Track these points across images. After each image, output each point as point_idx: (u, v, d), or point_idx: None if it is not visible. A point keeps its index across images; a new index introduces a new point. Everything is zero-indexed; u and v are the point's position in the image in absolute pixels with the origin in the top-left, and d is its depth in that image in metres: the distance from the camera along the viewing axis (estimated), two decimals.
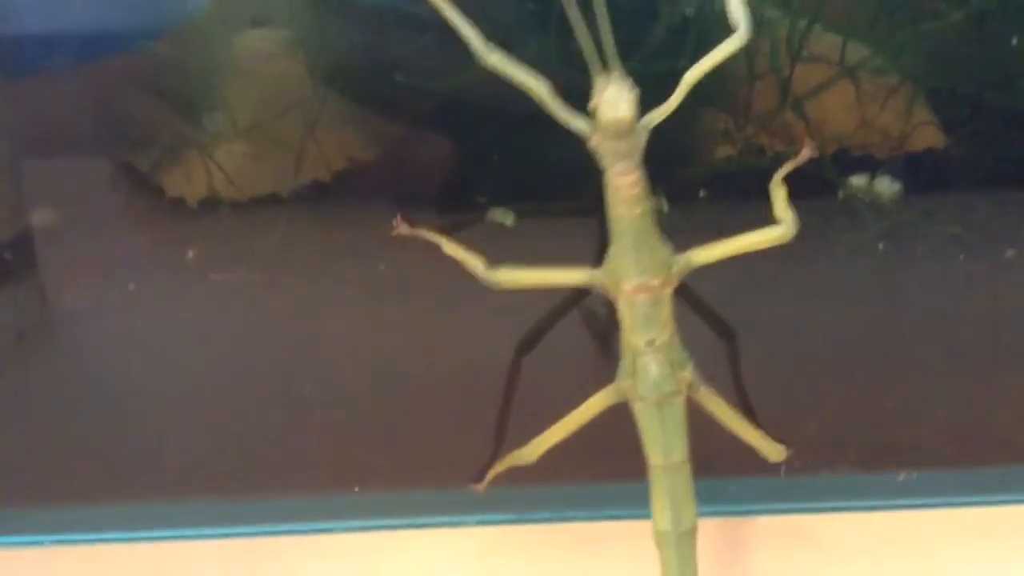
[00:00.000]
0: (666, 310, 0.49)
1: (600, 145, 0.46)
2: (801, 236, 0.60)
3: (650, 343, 0.49)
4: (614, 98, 0.45)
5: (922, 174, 0.63)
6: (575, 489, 0.64)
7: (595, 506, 0.63)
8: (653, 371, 0.50)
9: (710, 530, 0.62)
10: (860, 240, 0.64)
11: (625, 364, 0.50)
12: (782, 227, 0.49)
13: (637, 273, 0.48)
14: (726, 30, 0.46)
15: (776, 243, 0.49)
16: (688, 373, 0.51)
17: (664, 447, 0.51)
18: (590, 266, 0.49)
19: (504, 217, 0.63)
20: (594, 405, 0.52)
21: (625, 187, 0.46)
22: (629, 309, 0.49)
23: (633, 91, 0.45)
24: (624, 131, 0.45)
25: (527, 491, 0.62)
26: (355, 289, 0.65)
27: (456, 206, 0.63)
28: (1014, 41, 0.61)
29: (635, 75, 0.45)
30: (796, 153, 0.50)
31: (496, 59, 0.45)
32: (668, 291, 0.49)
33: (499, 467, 0.56)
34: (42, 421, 0.67)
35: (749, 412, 0.60)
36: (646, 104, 0.46)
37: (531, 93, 0.45)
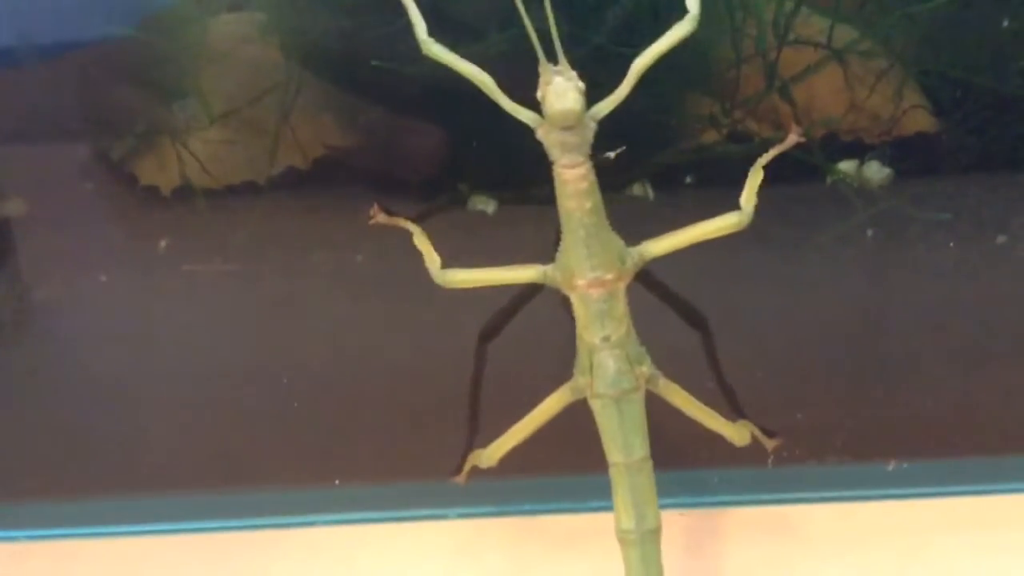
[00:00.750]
0: (621, 305, 0.48)
1: (547, 137, 0.45)
2: (789, 222, 0.59)
3: (606, 339, 0.48)
4: (561, 88, 0.44)
5: (912, 159, 0.63)
6: (555, 481, 0.63)
7: (576, 498, 0.63)
8: (610, 367, 0.49)
9: (692, 522, 0.62)
10: (849, 226, 0.63)
11: (581, 361, 0.50)
12: (737, 215, 0.48)
13: (590, 268, 0.47)
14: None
15: (730, 231, 0.48)
16: (646, 367, 0.50)
17: (624, 445, 0.50)
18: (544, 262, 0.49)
19: (485, 204, 0.63)
20: (551, 405, 0.51)
21: (574, 180, 0.46)
22: (583, 305, 0.48)
23: (579, 82, 0.44)
24: (571, 122, 0.45)
25: (507, 484, 0.61)
26: (333, 279, 0.64)
27: (437, 194, 0.63)
28: (1005, 23, 0.60)
29: (584, 64, 0.45)
30: (783, 138, 0.49)
31: (437, 49, 0.45)
32: (622, 285, 0.48)
33: (467, 465, 0.55)
34: (16, 413, 0.66)
35: (734, 402, 0.59)
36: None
37: (474, 83, 0.45)
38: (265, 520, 0.64)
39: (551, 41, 0.44)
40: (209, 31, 0.62)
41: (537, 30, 0.44)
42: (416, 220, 0.50)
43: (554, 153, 0.46)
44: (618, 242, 0.48)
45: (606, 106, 0.45)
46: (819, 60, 0.61)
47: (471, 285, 0.49)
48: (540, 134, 0.46)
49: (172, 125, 0.63)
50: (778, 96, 0.61)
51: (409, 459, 0.63)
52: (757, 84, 0.61)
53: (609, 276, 0.47)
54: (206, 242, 0.64)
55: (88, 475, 0.65)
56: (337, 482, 0.64)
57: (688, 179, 0.63)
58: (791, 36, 0.60)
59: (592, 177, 0.46)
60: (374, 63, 0.57)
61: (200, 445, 0.65)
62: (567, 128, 0.45)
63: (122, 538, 0.64)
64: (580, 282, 0.48)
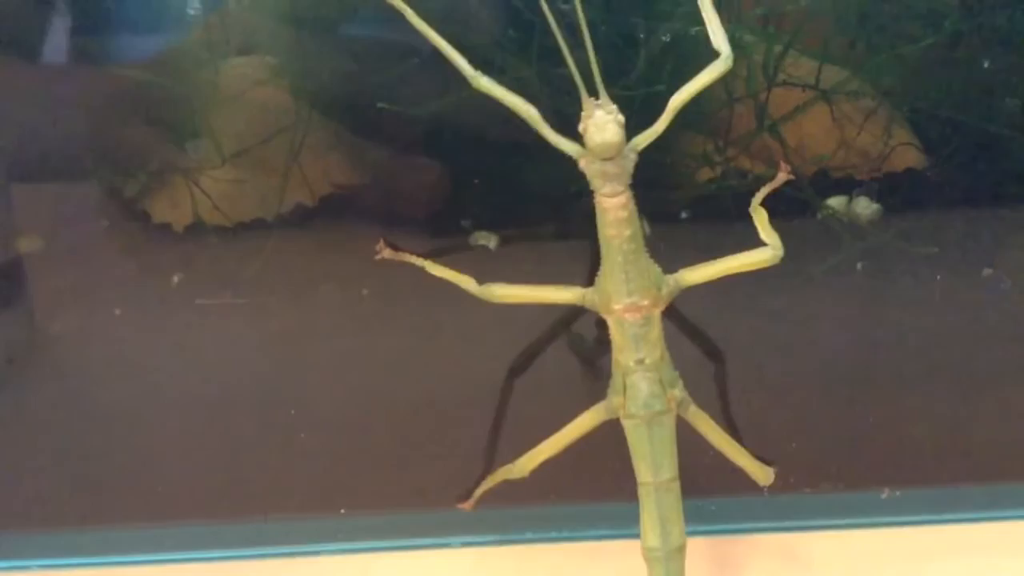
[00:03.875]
0: (656, 330, 0.50)
1: (589, 167, 0.47)
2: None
3: (640, 362, 0.50)
4: (602, 121, 0.46)
5: (899, 195, 0.64)
6: (561, 509, 0.64)
7: (581, 526, 0.63)
8: (643, 389, 0.50)
9: (698, 549, 0.62)
10: (839, 260, 0.64)
11: (615, 382, 0.51)
12: (770, 249, 0.49)
13: (627, 293, 0.49)
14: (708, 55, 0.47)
15: (765, 265, 0.50)
16: (678, 391, 0.51)
17: (653, 464, 0.51)
18: (578, 286, 0.50)
19: (487, 240, 0.64)
20: (585, 422, 0.52)
21: (614, 209, 0.47)
22: (619, 329, 0.50)
23: (620, 115, 0.46)
24: (612, 153, 0.46)
25: (513, 512, 0.62)
26: (339, 313, 0.65)
27: (440, 230, 0.64)
28: (986, 64, 0.62)
29: (622, 100, 0.46)
30: (774, 176, 0.51)
31: (486, 82, 0.46)
32: (658, 311, 0.50)
33: (489, 482, 0.56)
34: (30, 445, 0.67)
35: (734, 431, 0.60)
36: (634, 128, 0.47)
37: (521, 116, 0.46)
38: (272, 549, 0.64)
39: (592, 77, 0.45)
40: (221, 74, 0.63)
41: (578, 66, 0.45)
42: (420, 256, 0.52)
43: (595, 183, 0.47)
44: (655, 269, 0.49)
45: (644, 139, 0.47)
46: (807, 100, 0.62)
47: (513, 301, 0.50)
48: (582, 165, 0.47)
49: (185, 164, 0.65)
50: (768, 135, 0.63)
51: (414, 488, 0.64)
52: (749, 123, 0.63)
53: (645, 302, 0.49)
54: (217, 277, 0.65)
55: (99, 505, 0.66)
56: (343, 511, 0.64)
57: (684, 214, 0.64)
58: (780, 77, 0.62)
59: (632, 206, 0.47)
60: (380, 105, 0.59)
61: (209, 475, 0.65)
62: (608, 159, 0.46)
63: (132, 567, 0.64)
64: (617, 307, 0.49)
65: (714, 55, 0.47)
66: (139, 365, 0.66)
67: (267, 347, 0.66)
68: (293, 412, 0.65)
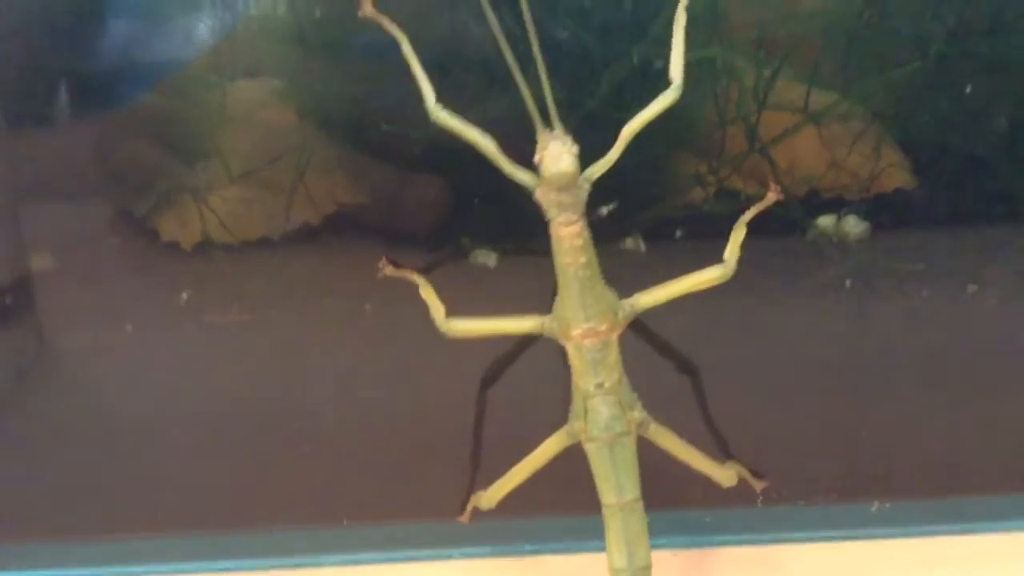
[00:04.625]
0: (614, 353, 0.51)
1: (544, 197, 0.48)
2: (771, 273, 0.61)
3: (599, 386, 0.51)
4: (556, 152, 0.47)
5: (887, 214, 0.65)
6: (555, 522, 0.64)
7: (574, 539, 0.64)
8: (604, 413, 0.51)
9: (689, 561, 0.63)
10: (828, 277, 0.65)
11: (576, 407, 0.52)
12: (721, 268, 0.51)
13: (584, 319, 0.49)
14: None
15: (715, 283, 0.51)
16: (637, 412, 0.52)
17: (617, 486, 0.52)
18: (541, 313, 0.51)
19: (487, 257, 0.65)
20: (548, 449, 0.53)
21: (569, 237, 0.48)
22: (578, 354, 0.50)
23: (574, 146, 0.47)
24: (567, 184, 0.47)
25: (511, 524, 0.63)
26: (343, 328, 0.66)
27: (441, 248, 0.65)
28: (968, 88, 0.63)
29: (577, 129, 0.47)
30: (764, 196, 0.52)
31: (444, 116, 0.48)
32: (615, 335, 0.51)
33: (470, 505, 0.57)
34: (39, 459, 0.67)
35: (723, 444, 0.61)
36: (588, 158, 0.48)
37: (478, 148, 0.48)
38: (276, 560, 0.64)
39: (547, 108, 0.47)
40: (228, 96, 0.64)
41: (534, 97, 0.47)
42: (421, 272, 0.52)
43: (551, 212, 0.48)
44: (611, 295, 0.50)
45: (598, 169, 0.48)
46: (797, 123, 0.63)
47: (473, 335, 0.51)
48: (538, 195, 0.48)
49: (193, 184, 0.65)
50: (759, 156, 0.64)
51: (415, 500, 0.64)
52: (741, 144, 0.64)
53: (603, 327, 0.50)
54: (225, 294, 0.65)
55: (105, 516, 0.66)
56: (345, 522, 0.65)
57: (678, 233, 0.65)
58: (773, 100, 0.63)
59: (586, 234, 0.48)
60: (384, 126, 0.60)
61: (214, 486, 0.66)
62: (563, 189, 0.47)
63: None
64: (575, 332, 0.50)
65: (666, 84, 0.48)
66: (147, 380, 0.67)
67: (272, 362, 0.66)
68: (298, 425, 0.66)
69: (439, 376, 0.65)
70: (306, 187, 0.64)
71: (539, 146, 0.47)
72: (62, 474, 0.67)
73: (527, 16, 0.46)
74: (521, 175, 0.48)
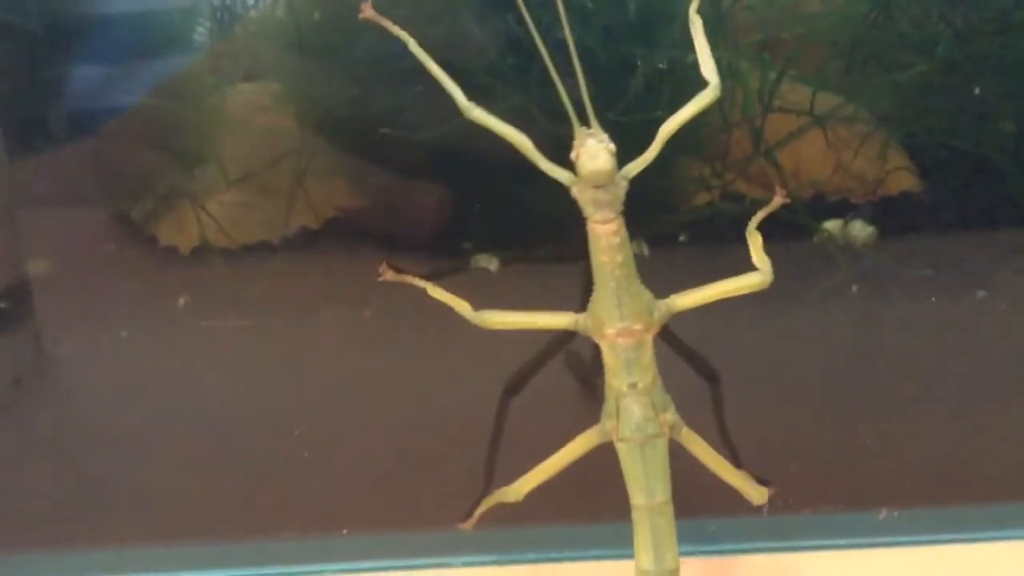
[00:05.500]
0: (648, 354, 0.50)
1: (581, 195, 0.48)
2: (778, 278, 0.61)
3: (633, 386, 0.50)
4: (593, 149, 0.47)
5: (894, 218, 0.65)
6: (561, 530, 0.64)
7: (581, 547, 0.63)
8: (636, 413, 0.51)
9: (693, 570, 0.62)
10: (834, 282, 0.65)
11: (608, 406, 0.51)
12: (760, 274, 0.50)
13: (619, 318, 0.49)
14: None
15: (755, 290, 0.50)
16: (670, 415, 0.52)
17: (647, 488, 0.51)
18: (573, 310, 0.51)
19: (488, 263, 0.65)
20: (579, 445, 0.53)
21: (606, 235, 0.48)
22: (612, 353, 0.50)
23: (611, 143, 0.47)
24: (603, 181, 0.47)
25: (513, 532, 0.63)
26: (342, 334, 0.66)
27: (442, 253, 0.65)
28: (977, 90, 0.62)
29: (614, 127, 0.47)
30: (770, 200, 0.51)
31: (479, 113, 0.47)
32: (650, 335, 0.50)
33: (485, 504, 0.56)
34: (36, 465, 0.67)
35: (731, 452, 0.61)
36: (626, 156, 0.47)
37: (514, 145, 0.47)
38: (275, 569, 0.64)
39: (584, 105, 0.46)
40: (227, 100, 0.64)
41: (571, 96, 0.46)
42: (422, 278, 0.52)
43: (588, 210, 0.48)
44: (647, 295, 0.50)
45: (635, 167, 0.48)
46: (802, 126, 0.63)
47: (507, 327, 0.51)
48: (574, 192, 0.48)
49: (191, 188, 0.65)
50: (765, 159, 0.64)
51: (416, 509, 0.64)
52: (746, 148, 0.64)
53: (637, 327, 0.49)
54: (223, 299, 0.65)
55: (103, 525, 0.66)
56: (345, 531, 0.64)
57: (682, 237, 0.65)
58: (776, 103, 0.62)
59: (624, 232, 0.48)
60: (383, 130, 0.60)
61: (213, 495, 0.66)
62: (599, 186, 0.47)
63: None
64: (610, 331, 0.49)
65: (703, 84, 0.48)
66: (145, 386, 0.67)
67: (271, 368, 0.66)
68: (296, 432, 0.65)
69: (439, 382, 0.65)
70: (305, 191, 0.64)
71: (576, 143, 0.47)
72: (56, 482, 0.66)
73: (563, 15, 0.46)
74: (558, 172, 0.48)
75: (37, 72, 0.64)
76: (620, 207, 0.48)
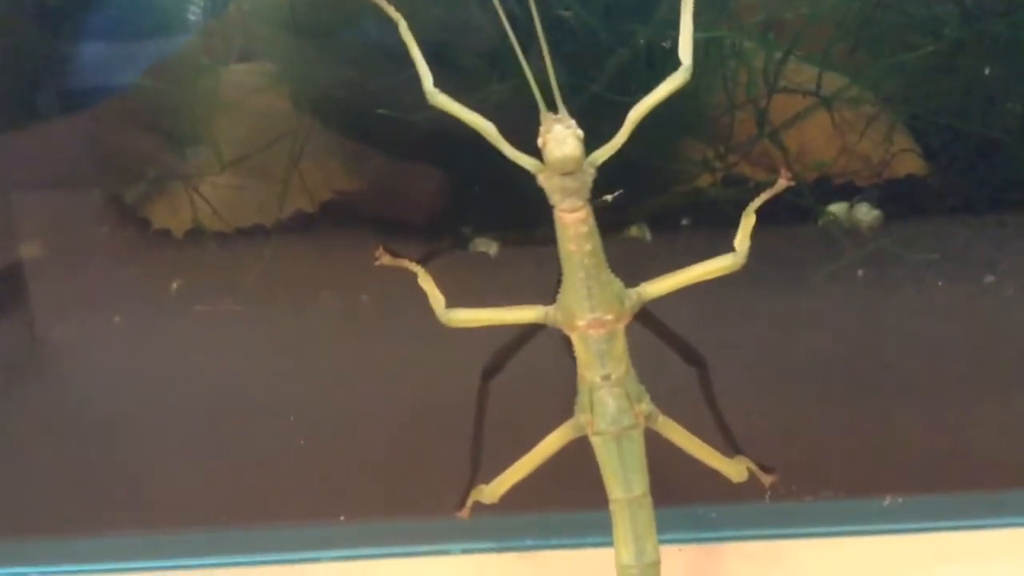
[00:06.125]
0: (620, 344, 0.50)
1: (548, 182, 0.47)
2: (781, 263, 0.61)
3: (606, 378, 0.50)
4: (560, 135, 0.46)
5: (900, 201, 0.64)
6: (557, 517, 0.64)
7: (577, 534, 0.63)
8: (610, 405, 0.50)
9: (698, 556, 0.63)
10: (839, 266, 0.64)
11: (582, 399, 0.51)
12: (732, 257, 0.50)
13: (590, 309, 0.48)
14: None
15: (725, 272, 0.50)
16: (645, 404, 0.51)
17: (624, 481, 0.51)
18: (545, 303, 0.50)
19: (487, 246, 0.64)
20: (553, 442, 0.52)
21: (574, 224, 0.47)
22: (584, 345, 0.49)
23: (579, 130, 0.46)
24: (571, 168, 0.46)
25: (509, 520, 0.62)
26: (339, 319, 0.65)
27: (440, 236, 0.64)
28: (986, 71, 0.62)
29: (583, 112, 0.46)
30: (774, 182, 0.51)
31: (442, 99, 0.47)
32: (622, 325, 0.49)
33: (469, 499, 0.56)
34: (29, 451, 0.67)
35: (731, 438, 0.60)
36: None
37: (478, 131, 0.47)
38: (271, 556, 0.64)
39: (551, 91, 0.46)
40: (221, 81, 0.63)
41: (537, 80, 0.46)
42: (420, 262, 0.52)
43: (555, 198, 0.47)
44: (617, 284, 0.49)
45: (603, 153, 0.47)
46: (808, 107, 0.62)
47: (474, 325, 0.50)
48: (541, 180, 0.47)
49: (185, 170, 0.65)
50: (769, 141, 0.63)
51: (413, 496, 0.64)
52: (750, 129, 0.63)
53: (609, 317, 0.49)
54: (217, 283, 0.65)
55: (97, 511, 0.66)
56: (342, 518, 0.64)
57: (684, 221, 0.64)
58: (781, 84, 0.61)
59: (591, 221, 0.47)
60: (380, 111, 0.59)
61: (208, 482, 0.65)
62: (567, 174, 0.46)
63: (130, 574, 0.65)
64: (580, 323, 0.49)
65: (675, 65, 0.47)
66: (138, 372, 0.66)
67: (266, 354, 0.66)
68: (292, 419, 0.65)
69: (436, 369, 0.64)
70: (300, 174, 0.63)
71: (542, 129, 0.47)
72: (50, 468, 0.66)
73: None
74: (524, 160, 0.47)
75: (27, 53, 0.63)
76: (587, 195, 0.47)
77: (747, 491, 0.57)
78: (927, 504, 0.64)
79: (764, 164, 0.63)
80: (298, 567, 0.64)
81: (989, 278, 0.65)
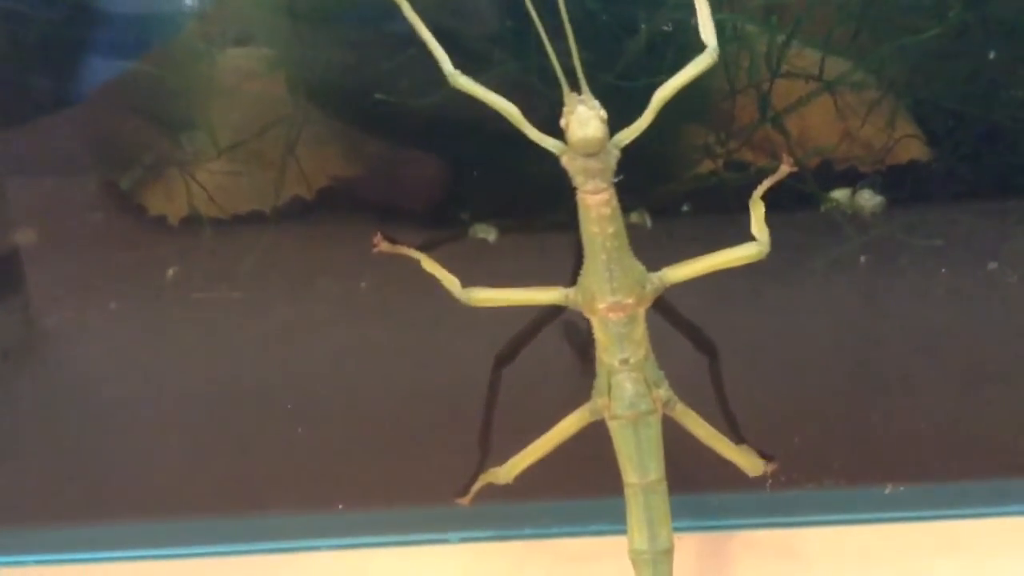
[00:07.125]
0: (640, 328, 0.49)
1: (571, 164, 0.46)
2: (783, 249, 0.60)
3: (624, 362, 0.49)
4: (584, 116, 0.45)
5: (904, 187, 0.63)
6: (559, 505, 0.64)
7: (579, 522, 0.63)
8: (628, 390, 0.50)
9: (696, 545, 0.62)
10: (842, 253, 0.64)
11: (600, 383, 0.51)
12: (756, 245, 0.49)
13: (611, 292, 0.48)
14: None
15: (750, 261, 0.49)
16: (663, 391, 0.51)
17: (640, 466, 0.51)
18: (566, 284, 0.50)
19: (487, 233, 0.64)
20: (569, 425, 0.52)
21: (597, 206, 0.47)
22: (603, 328, 0.49)
23: (602, 111, 0.45)
24: (594, 149, 0.46)
25: (510, 507, 0.62)
26: (337, 306, 0.65)
27: (439, 223, 0.63)
28: (991, 55, 0.61)
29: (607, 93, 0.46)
30: (776, 168, 0.50)
31: (464, 81, 0.46)
32: (642, 310, 0.49)
33: (478, 484, 0.56)
34: (25, 439, 0.67)
35: (733, 426, 0.60)
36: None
37: (501, 113, 0.46)
38: (269, 544, 0.64)
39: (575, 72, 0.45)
40: (217, 66, 0.63)
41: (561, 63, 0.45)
42: (419, 249, 0.51)
43: (578, 179, 0.47)
44: (639, 267, 0.49)
45: (628, 135, 0.47)
46: (810, 91, 0.62)
47: (494, 304, 0.50)
48: (564, 161, 0.46)
49: (180, 157, 0.64)
50: (771, 126, 0.62)
51: (412, 484, 0.63)
52: (752, 115, 0.62)
53: (629, 300, 0.48)
54: (213, 270, 0.64)
55: (95, 500, 0.66)
56: (340, 507, 0.64)
57: (685, 207, 0.64)
58: (783, 68, 0.61)
59: (615, 203, 0.47)
60: (377, 96, 0.58)
61: (206, 470, 0.65)
62: (590, 155, 0.46)
63: (128, 562, 0.65)
64: (601, 306, 0.48)
65: (701, 48, 0.46)
66: (134, 359, 0.66)
67: (264, 341, 0.65)
68: (290, 406, 0.65)
69: (435, 356, 0.64)
70: (297, 160, 0.63)
71: (566, 110, 0.46)
72: (46, 456, 0.66)
73: None
74: (547, 142, 0.47)
75: (22, 39, 0.63)
76: (611, 176, 0.46)
77: (748, 479, 0.56)
78: (929, 492, 0.64)
79: (766, 150, 0.63)
80: (297, 555, 0.64)
81: (992, 265, 0.64)
